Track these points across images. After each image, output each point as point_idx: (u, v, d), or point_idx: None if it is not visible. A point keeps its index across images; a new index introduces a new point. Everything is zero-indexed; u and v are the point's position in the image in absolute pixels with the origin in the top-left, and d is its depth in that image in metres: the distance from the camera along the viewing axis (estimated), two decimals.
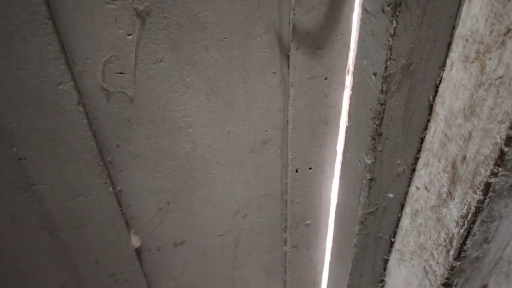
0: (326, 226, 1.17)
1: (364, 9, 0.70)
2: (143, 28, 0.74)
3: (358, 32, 0.74)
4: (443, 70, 0.72)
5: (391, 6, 0.63)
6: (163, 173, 0.95)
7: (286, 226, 1.16)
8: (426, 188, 0.81)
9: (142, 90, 0.81)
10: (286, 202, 1.09)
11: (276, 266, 1.27)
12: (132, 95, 0.82)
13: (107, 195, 0.91)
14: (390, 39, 0.65)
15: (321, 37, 0.81)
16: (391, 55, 0.67)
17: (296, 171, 1.01)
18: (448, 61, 0.70)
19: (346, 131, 0.87)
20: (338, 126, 0.96)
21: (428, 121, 0.78)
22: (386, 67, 0.68)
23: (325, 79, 0.87)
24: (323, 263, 1.29)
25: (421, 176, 0.83)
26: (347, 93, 0.91)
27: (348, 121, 0.85)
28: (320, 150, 1.00)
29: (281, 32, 0.81)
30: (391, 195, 0.87)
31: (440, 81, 0.73)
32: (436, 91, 0.74)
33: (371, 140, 0.78)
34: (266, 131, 0.95)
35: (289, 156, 0.98)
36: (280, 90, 0.89)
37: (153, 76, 0.81)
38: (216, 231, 1.11)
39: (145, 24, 0.74)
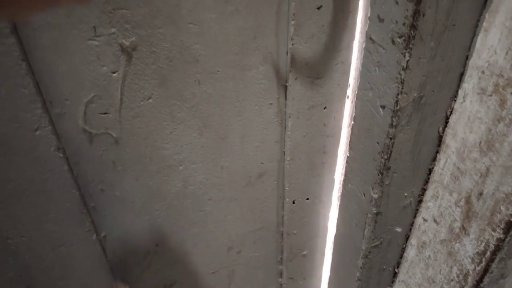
0: (323, 255, 1.13)
1: (369, 38, 0.66)
2: (129, 64, 0.67)
3: (361, 61, 0.70)
4: (455, 101, 0.68)
5: (403, 38, 0.58)
6: (152, 214, 0.88)
7: (281, 258, 1.11)
8: (435, 221, 0.77)
9: (129, 129, 0.74)
10: (282, 234, 1.04)
11: None
12: (117, 136, 0.74)
13: (90, 243, 0.83)
14: (402, 72, 0.61)
15: (321, 66, 0.76)
16: (402, 88, 0.62)
17: (293, 202, 0.97)
18: (461, 92, 0.67)
19: (347, 162, 0.82)
20: (337, 155, 0.92)
21: (437, 152, 0.74)
22: (397, 101, 0.63)
23: (324, 108, 0.83)
24: None
25: (429, 208, 0.79)
26: (346, 122, 0.86)
27: (350, 152, 0.80)
28: (318, 180, 0.95)
29: (278, 62, 0.76)
30: (398, 229, 0.83)
31: (451, 112, 0.69)
32: (447, 122, 0.70)
33: (378, 175, 0.73)
34: (261, 163, 0.89)
35: (286, 188, 0.94)
36: (277, 121, 0.84)
37: (141, 114, 0.73)
38: (209, 269, 1.04)
39: (131, 60, 0.67)
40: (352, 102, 0.79)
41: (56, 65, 0.64)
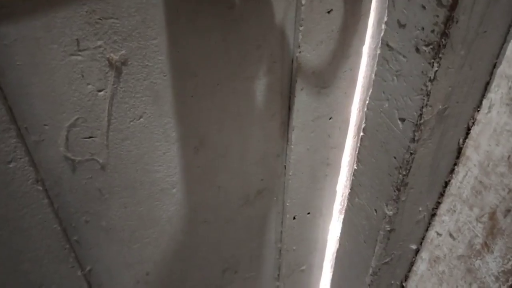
0: (321, 269, 1.09)
1: (386, 45, 0.59)
2: (118, 81, 0.58)
3: (371, 68, 0.63)
4: (478, 111, 0.63)
5: (431, 47, 0.52)
6: (142, 243, 0.79)
7: (279, 275, 1.05)
8: (451, 236, 0.73)
9: (117, 153, 0.65)
10: (281, 251, 0.98)
11: None
12: (103, 162, 0.65)
13: (75, 279, 0.73)
14: (429, 83, 0.55)
15: (328, 74, 0.70)
16: (428, 101, 0.56)
17: (294, 218, 0.91)
18: (486, 102, 0.62)
19: (355, 175, 0.76)
20: (340, 166, 0.87)
21: (455, 164, 0.69)
22: (420, 114, 0.57)
23: (330, 118, 0.77)
24: None
25: (444, 222, 0.74)
26: (351, 132, 0.80)
27: (358, 165, 0.74)
28: (320, 193, 0.89)
29: (283, 71, 0.69)
30: (413, 246, 0.78)
31: (473, 123, 0.64)
32: (467, 134, 0.65)
33: (394, 191, 0.68)
34: (261, 180, 0.83)
35: (287, 204, 0.87)
36: (279, 134, 0.77)
37: (131, 136, 0.65)
38: None
39: (120, 75, 0.58)
40: (359, 111, 0.73)
41: (33, 86, 0.54)
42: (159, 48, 0.58)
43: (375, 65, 0.62)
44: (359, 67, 0.72)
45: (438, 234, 0.76)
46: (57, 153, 0.61)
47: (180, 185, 0.75)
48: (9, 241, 0.63)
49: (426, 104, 0.56)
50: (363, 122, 0.68)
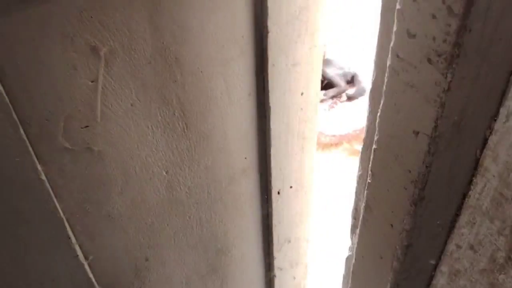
0: (307, 241, 1.14)
1: (396, 56, 0.57)
2: (108, 71, 0.62)
3: (381, 79, 0.60)
4: (495, 120, 0.59)
5: (444, 57, 0.49)
6: (138, 227, 0.82)
7: (269, 251, 1.09)
8: (472, 248, 0.69)
9: (112, 141, 0.69)
10: (269, 226, 1.03)
11: None
12: (100, 150, 0.68)
13: (79, 269, 0.76)
14: (443, 94, 0.52)
15: (296, 51, 0.76)
16: (442, 112, 0.53)
17: (278, 193, 0.95)
18: (503, 111, 0.58)
19: (369, 189, 0.74)
20: (314, 140, 0.93)
21: (473, 175, 0.65)
22: (435, 126, 0.55)
23: (301, 94, 0.83)
24: (305, 278, 1.25)
25: (464, 234, 0.71)
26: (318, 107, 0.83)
27: (372, 178, 0.72)
28: (299, 166, 0.95)
29: (255, 52, 0.75)
30: (432, 261, 0.75)
31: (490, 133, 0.60)
32: (484, 144, 0.61)
33: (410, 205, 0.65)
34: (245, 158, 0.87)
35: (271, 179, 0.92)
36: (257, 112, 0.82)
37: (123, 124, 0.68)
38: (199, 274, 1.00)
39: (110, 67, 0.62)
40: (371, 123, 0.70)
41: (31, 81, 0.57)
42: (145, 40, 0.62)
43: (386, 76, 0.60)
44: (322, 43, 0.78)
45: (458, 246, 0.72)
46: (57, 144, 0.64)
47: (170, 168, 0.78)
48: (14, 234, 0.66)
49: (441, 116, 0.54)
50: (375, 134, 0.66)
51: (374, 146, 0.68)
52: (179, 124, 0.74)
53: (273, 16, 0.69)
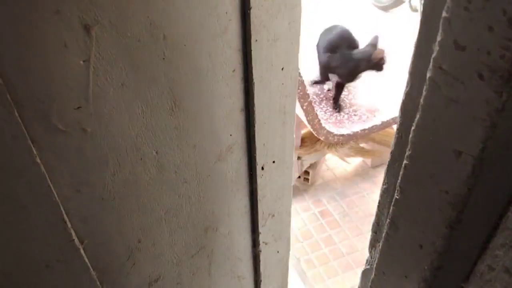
0: (289, 215, 1.17)
1: (439, 68, 0.51)
2: (98, 49, 0.62)
3: (423, 92, 0.55)
4: None
5: (499, 74, 0.45)
6: (130, 209, 0.83)
7: (255, 226, 1.12)
8: (508, 272, 0.67)
9: (104, 122, 0.69)
10: (253, 202, 1.06)
11: (248, 269, 1.22)
12: (92, 130, 0.69)
13: (75, 253, 0.76)
14: (495, 114, 0.48)
15: (276, 27, 0.79)
16: (493, 133, 0.49)
17: (262, 168, 0.98)
18: None
19: (396, 205, 0.70)
20: (294, 114, 0.96)
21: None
22: (483, 148, 0.50)
23: (282, 69, 0.85)
24: (288, 252, 1.29)
25: (498, 256, 0.68)
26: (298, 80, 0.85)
27: (400, 195, 0.68)
28: (281, 141, 0.98)
29: (239, 28, 0.76)
30: (462, 284, 0.74)
31: None
32: None
33: (446, 228, 0.62)
34: (230, 135, 0.89)
35: (255, 155, 0.94)
36: (241, 88, 0.84)
37: (114, 104, 0.69)
38: (189, 253, 1.01)
39: (100, 45, 0.62)
40: (401, 136, 0.65)
41: (24, 63, 0.57)
42: (133, 15, 0.62)
43: (424, 89, 0.54)
44: (300, 19, 0.81)
45: (491, 268, 0.69)
46: (50, 126, 0.63)
47: (160, 147, 0.79)
48: (9, 219, 0.66)
49: (491, 137, 0.50)
50: (407, 149, 0.61)
51: (405, 162, 0.61)
52: (168, 103, 0.75)
53: None
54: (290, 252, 1.27)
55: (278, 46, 0.81)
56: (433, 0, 0.51)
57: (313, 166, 2.70)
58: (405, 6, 4.64)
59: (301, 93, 2.00)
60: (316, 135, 2.19)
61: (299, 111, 2.09)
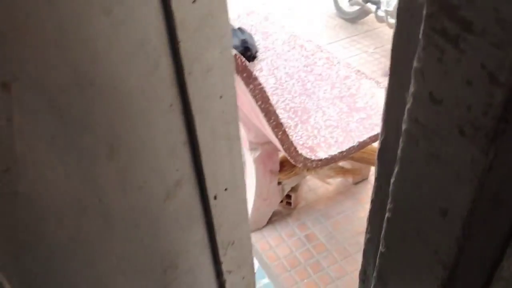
0: (249, 238, 1.15)
1: (415, 121, 0.46)
2: (21, 107, 0.58)
3: (400, 144, 0.50)
4: None
5: (484, 132, 0.40)
6: (79, 264, 0.78)
7: (216, 257, 1.09)
8: None
9: (36, 180, 0.65)
10: (211, 232, 1.03)
11: None
12: (25, 191, 0.64)
13: None
14: (482, 174, 0.44)
15: (208, 57, 0.78)
16: (481, 193, 0.45)
17: (215, 197, 0.96)
18: None
19: (381, 258, 0.65)
20: (239, 139, 0.95)
21: (507, 246, 0.60)
22: (472, 209, 0.46)
23: (220, 97, 0.85)
24: (253, 276, 1.27)
25: None
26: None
27: (386, 249, 0.63)
28: (230, 168, 0.96)
29: (170, 62, 0.75)
30: None
31: None
32: None
33: (437, 287, 0.58)
34: (177, 170, 0.87)
35: (205, 185, 0.92)
36: (181, 121, 0.82)
37: (46, 159, 0.65)
38: None
39: (22, 101, 0.58)
40: (380, 186, 0.60)
41: None
42: (55, 66, 0.59)
43: (401, 141, 0.49)
44: (231, 46, 0.81)
45: None
46: None
47: (103, 195, 0.76)
48: None
49: (479, 198, 0.45)
50: (388, 202, 0.56)
51: (387, 214, 0.57)
52: (104, 148, 0.72)
53: (181, 26, 0.70)
54: (279, 283, 1.25)
55: (213, 75, 0.80)
56: (402, 46, 0.46)
57: (294, 189, 2.68)
58: (371, 17, 4.63)
59: (274, 122, 1.97)
60: (293, 162, 2.16)
61: (274, 140, 2.06)
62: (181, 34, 0.71)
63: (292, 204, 2.74)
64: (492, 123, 0.39)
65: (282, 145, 2.06)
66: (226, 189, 0.98)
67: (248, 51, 2.74)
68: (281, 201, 2.70)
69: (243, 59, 1.73)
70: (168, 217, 0.90)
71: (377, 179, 0.60)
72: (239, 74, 1.73)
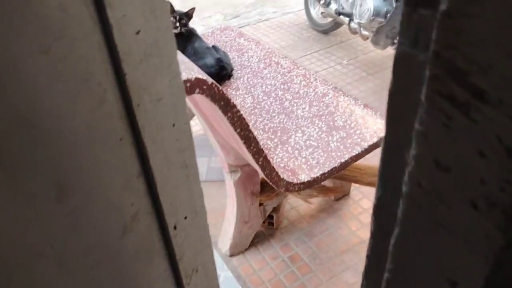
0: (213, 264, 1.15)
1: (418, 185, 0.42)
2: None
3: (401, 206, 0.46)
4: None
5: (501, 208, 0.36)
6: None
7: (180, 286, 1.07)
8: None
9: None
10: (173, 263, 1.01)
11: None
12: None
13: None
14: (499, 252, 0.39)
15: (157, 86, 0.77)
16: (498, 270, 0.41)
17: (175, 227, 0.94)
18: None
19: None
20: (196, 165, 0.94)
21: None
22: (486, 285, 0.43)
23: (173, 125, 0.83)
24: None
25: None
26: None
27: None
28: (188, 195, 0.95)
29: (117, 95, 0.73)
30: None
31: None
32: None
33: None
34: (132, 204, 0.84)
35: (164, 216, 0.90)
36: (133, 154, 0.80)
37: None
38: None
39: None
40: (377, 242, 0.56)
41: None
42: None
43: (401, 202, 0.45)
44: (180, 73, 0.79)
45: None
46: None
47: (55, 240, 0.73)
48: None
49: (496, 275, 0.39)
50: (388, 262, 0.52)
51: (387, 275, 0.52)
52: (52, 191, 0.69)
53: (126, 58, 0.68)
54: None
55: (164, 104, 0.79)
56: (399, 103, 0.41)
57: (276, 209, 2.60)
58: (344, 28, 4.57)
59: (255, 149, 1.88)
60: (275, 187, 2.07)
61: (254, 165, 1.98)
62: (126, 67, 0.70)
63: (274, 224, 2.64)
64: (510, 200, 0.36)
65: (263, 171, 1.97)
66: (186, 217, 0.97)
67: (223, 70, 2.69)
68: (263, 222, 2.62)
69: (220, 87, 1.63)
70: (127, 254, 0.88)
71: (373, 235, 0.56)
72: (217, 103, 1.63)
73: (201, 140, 3.23)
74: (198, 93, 1.55)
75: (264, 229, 2.70)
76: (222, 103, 1.66)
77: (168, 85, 0.79)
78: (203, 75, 1.55)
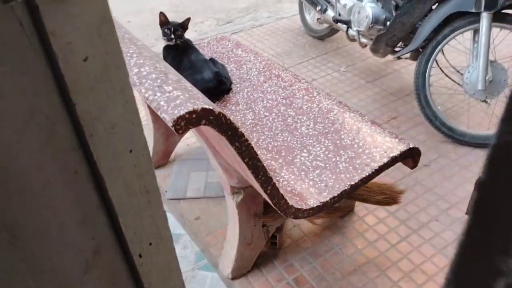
0: (182, 286, 1.11)
1: None
2: None
3: None
4: None
5: None
6: None
7: None
8: None
9: None
10: None
11: None
12: None
13: None
14: None
15: (110, 113, 0.74)
16: None
17: (140, 256, 0.91)
18: None
19: None
20: (158, 189, 0.91)
21: None
22: None
23: (130, 151, 0.80)
24: None
25: None
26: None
27: None
28: (151, 221, 0.92)
29: (65, 127, 0.70)
30: None
31: None
32: None
33: None
34: (93, 238, 0.81)
35: (128, 246, 0.87)
36: (90, 186, 0.77)
37: None
38: None
39: None
40: None
41: None
42: None
43: None
44: (133, 96, 0.76)
45: None
46: None
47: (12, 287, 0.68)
48: None
49: None
50: None
51: None
52: (5, 236, 0.65)
53: (74, 87, 0.66)
54: None
55: (118, 131, 0.76)
56: (496, 195, 0.38)
57: (279, 229, 2.45)
58: (340, 34, 4.45)
59: (263, 178, 1.73)
60: (283, 215, 1.90)
61: (261, 193, 1.83)
62: (75, 96, 0.66)
63: (278, 244, 2.47)
64: None
65: (271, 200, 1.79)
66: (150, 244, 0.93)
67: (222, 85, 2.56)
68: (266, 242, 2.39)
69: (227, 117, 1.48)
70: None
71: None
72: (224, 134, 1.49)
73: (198, 153, 3.07)
74: (205, 124, 1.41)
75: (266, 249, 2.49)
76: (229, 133, 1.52)
77: (122, 111, 0.76)
78: (209, 105, 1.42)
